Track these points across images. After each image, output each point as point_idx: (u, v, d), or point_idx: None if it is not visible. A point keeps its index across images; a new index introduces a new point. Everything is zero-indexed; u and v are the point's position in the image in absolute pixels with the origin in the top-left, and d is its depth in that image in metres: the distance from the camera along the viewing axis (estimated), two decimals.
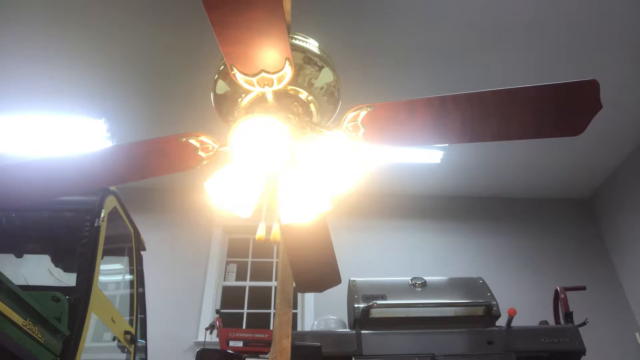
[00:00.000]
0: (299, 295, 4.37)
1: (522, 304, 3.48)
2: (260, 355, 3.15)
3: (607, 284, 4.69)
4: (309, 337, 3.06)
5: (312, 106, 1.46)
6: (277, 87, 1.19)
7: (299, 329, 4.18)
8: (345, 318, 3.57)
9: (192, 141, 1.34)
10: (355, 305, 3.19)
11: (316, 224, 1.53)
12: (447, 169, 4.74)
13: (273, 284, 4.51)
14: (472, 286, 3.40)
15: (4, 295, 1.61)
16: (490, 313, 3.19)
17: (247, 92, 1.36)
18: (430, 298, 3.28)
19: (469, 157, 4.65)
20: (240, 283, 4.57)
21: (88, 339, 2.10)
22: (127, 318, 2.81)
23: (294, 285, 1.80)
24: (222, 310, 3.86)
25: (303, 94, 1.43)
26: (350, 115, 1.28)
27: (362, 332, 3.11)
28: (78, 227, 2.31)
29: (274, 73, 1.14)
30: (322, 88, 1.44)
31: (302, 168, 1.35)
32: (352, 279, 3.42)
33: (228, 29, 1.00)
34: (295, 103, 1.43)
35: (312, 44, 1.41)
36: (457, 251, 4.82)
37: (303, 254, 1.69)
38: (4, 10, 3.19)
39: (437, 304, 3.26)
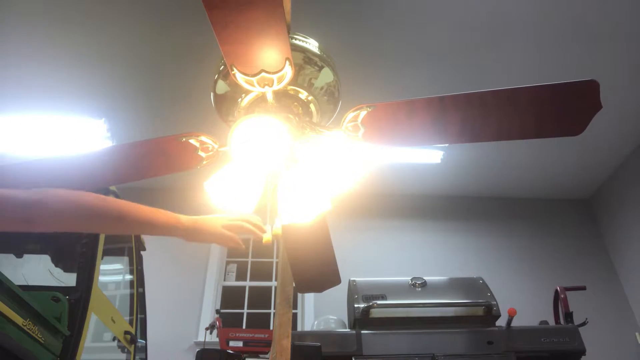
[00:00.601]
0: (299, 295, 4.37)
1: (522, 304, 3.48)
2: (260, 355, 3.15)
3: (607, 284, 4.69)
4: (309, 337, 3.06)
5: (312, 106, 1.46)
6: (277, 87, 1.19)
7: (299, 329, 4.18)
8: (345, 318, 3.57)
9: (192, 141, 1.34)
10: (355, 305, 3.19)
11: (316, 224, 1.53)
12: (447, 169, 4.73)
13: (273, 284, 4.51)
14: (472, 286, 3.40)
15: (4, 295, 1.61)
16: (490, 313, 3.19)
17: (247, 92, 1.36)
18: (430, 298, 3.28)
19: (469, 157, 4.65)
20: (240, 283, 4.57)
21: (88, 339, 2.10)
22: (127, 318, 2.81)
23: (294, 285, 1.80)
24: (222, 310, 3.86)
25: (303, 94, 1.43)
26: (350, 115, 1.28)
27: (362, 332, 3.10)
28: None
29: (274, 73, 1.14)
30: (322, 88, 1.44)
31: (302, 168, 1.35)
32: (352, 279, 3.42)
33: (228, 29, 1.00)
34: (295, 103, 1.43)
35: (312, 44, 1.41)
36: (457, 251, 4.82)
37: (303, 254, 1.69)
38: (4, 11, 3.19)
39: (437, 304, 3.26)
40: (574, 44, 3.54)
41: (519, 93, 1.18)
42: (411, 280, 3.41)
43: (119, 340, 2.56)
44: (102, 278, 2.37)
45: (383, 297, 3.23)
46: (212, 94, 1.45)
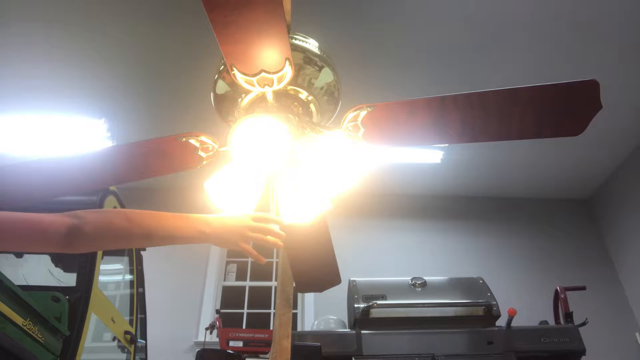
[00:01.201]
0: (299, 295, 4.37)
1: (522, 304, 3.48)
2: (260, 355, 3.15)
3: (607, 284, 4.69)
4: (309, 337, 3.06)
5: (312, 106, 1.46)
6: (277, 87, 1.19)
7: (299, 329, 4.18)
8: (345, 318, 3.57)
9: (192, 141, 1.34)
10: (355, 305, 3.19)
11: (316, 224, 1.53)
12: (447, 169, 4.73)
13: (273, 284, 4.51)
14: (472, 286, 3.40)
15: (4, 295, 1.61)
16: (490, 313, 3.19)
17: (247, 92, 1.36)
18: (430, 298, 3.28)
19: (469, 157, 4.65)
20: (240, 283, 4.57)
21: (88, 339, 2.10)
22: (127, 318, 2.81)
23: (294, 285, 1.80)
24: (222, 310, 3.86)
25: (303, 94, 1.43)
26: (350, 115, 1.28)
27: (362, 332, 3.10)
28: None
29: (274, 73, 1.14)
30: (322, 88, 1.44)
31: (302, 168, 1.35)
32: (352, 279, 3.42)
33: (228, 28, 1.00)
34: (295, 103, 1.43)
35: (312, 44, 1.41)
36: (457, 251, 4.82)
37: (303, 254, 1.69)
38: (4, 11, 3.19)
39: (437, 304, 3.26)
40: (573, 44, 3.54)
41: (519, 93, 1.18)
42: (411, 280, 3.41)
43: (119, 340, 2.56)
44: (102, 278, 2.36)
45: (383, 297, 3.23)
46: (212, 94, 1.45)
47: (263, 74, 1.14)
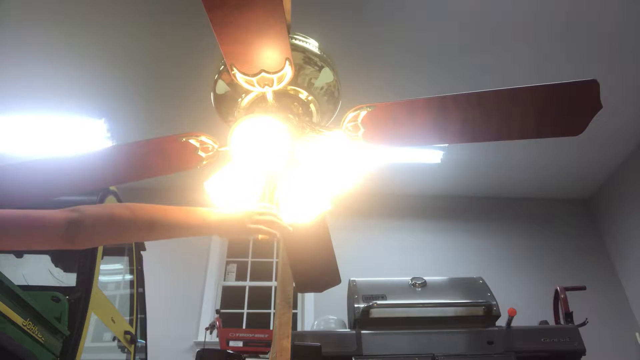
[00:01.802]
0: (299, 295, 4.37)
1: (522, 304, 3.48)
2: (260, 355, 3.15)
3: (607, 284, 4.69)
4: (309, 337, 3.06)
5: (312, 106, 1.46)
6: (277, 87, 1.19)
7: (299, 329, 4.18)
8: (345, 318, 3.57)
9: (192, 141, 1.34)
10: (355, 305, 3.19)
11: (316, 224, 1.53)
12: (447, 169, 4.73)
13: (273, 284, 4.51)
14: (472, 286, 3.40)
15: (4, 295, 1.61)
16: (490, 313, 3.19)
17: (247, 92, 1.36)
18: (430, 298, 3.28)
19: (469, 157, 4.65)
20: (240, 283, 4.57)
21: (88, 339, 2.10)
22: (127, 318, 2.81)
23: (294, 285, 1.80)
24: (222, 310, 3.86)
25: (303, 94, 1.43)
26: (350, 115, 1.28)
27: (362, 332, 3.10)
28: None
29: (274, 73, 1.14)
30: (322, 88, 1.44)
31: (302, 168, 1.35)
32: (352, 279, 3.42)
33: (228, 28, 1.00)
34: (295, 103, 1.43)
35: (312, 44, 1.41)
36: (457, 251, 4.82)
37: (303, 254, 1.69)
38: (4, 11, 3.19)
39: (437, 304, 3.26)
40: (574, 44, 3.54)
41: (519, 93, 1.18)
42: (411, 280, 3.41)
43: (119, 340, 2.56)
44: (102, 278, 2.37)
45: (383, 297, 3.23)
46: (212, 94, 1.45)
47: (263, 74, 1.14)
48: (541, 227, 5.08)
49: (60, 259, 2.65)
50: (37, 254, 2.77)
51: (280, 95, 1.37)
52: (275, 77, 1.15)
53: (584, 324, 3.25)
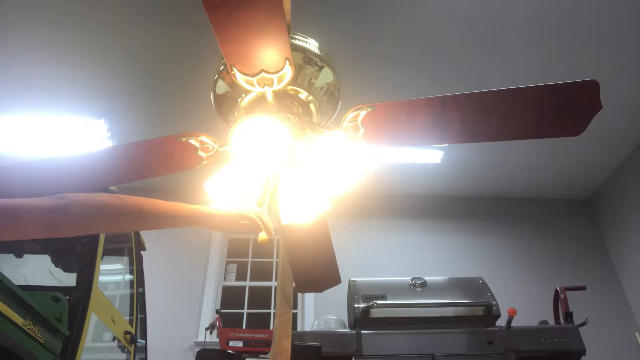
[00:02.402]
0: (299, 295, 4.37)
1: (522, 304, 3.48)
2: (260, 355, 3.15)
3: (607, 284, 4.69)
4: (309, 337, 3.06)
5: (312, 106, 1.46)
6: (277, 87, 1.19)
7: (299, 329, 4.18)
8: (345, 318, 3.57)
9: (192, 141, 1.34)
10: (355, 305, 3.19)
11: (316, 224, 1.53)
12: (447, 169, 4.73)
13: (273, 284, 4.51)
14: (472, 286, 3.40)
15: (4, 295, 1.61)
16: (490, 313, 3.19)
17: (247, 92, 1.35)
18: (430, 298, 3.28)
19: (469, 157, 4.65)
20: (240, 283, 4.57)
21: (88, 339, 2.10)
22: (127, 318, 2.81)
23: (294, 285, 1.80)
24: (222, 310, 3.86)
25: (303, 94, 1.43)
26: (350, 115, 1.28)
27: (362, 332, 3.10)
28: None
29: (274, 73, 1.14)
30: (322, 88, 1.44)
31: (302, 168, 1.35)
32: (352, 279, 3.42)
33: (228, 29, 1.00)
34: (295, 103, 1.43)
35: (312, 44, 1.41)
36: (457, 251, 4.82)
37: (303, 254, 1.69)
38: (4, 11, 3.19)
39: (437, 304, 3.26)
40: (573, 44, 3.54)
41: (519, 93, 1.18)
42: (411, 280, 3.41)
43: (119, 340, 2.55)
44: (102, 278, 2.36)
45: (383, 297, 3.23)
46: (212, 94, 1.45)
47: (263, 74, 1.14)
48: (541, 227, 5.08)
49: (61, 259, 2.65)
50: (37, 254, 2.77)
51: (280, 95, 1.37)
52: (275, 77, 1.15)
53: (584, 324, 3.25)
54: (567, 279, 4.22)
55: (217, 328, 3.33)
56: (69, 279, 2.38)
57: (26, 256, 2.70)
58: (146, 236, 3.18)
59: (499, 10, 3.29)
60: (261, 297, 4.51)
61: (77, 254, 2.30)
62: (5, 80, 3.65)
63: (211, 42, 1.08)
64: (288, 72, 1.14)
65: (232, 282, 4.56)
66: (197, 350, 2.77)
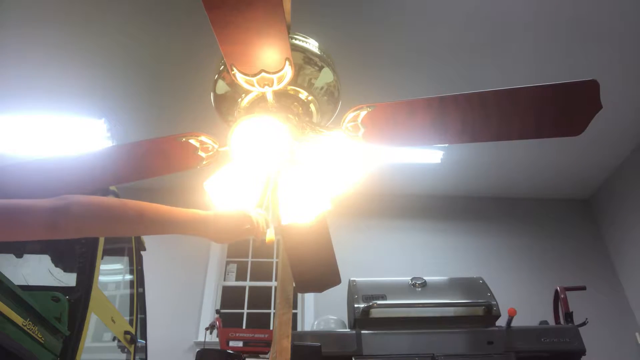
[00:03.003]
0: (299, 295, 4.37)
1: (522, 304, 3.48)
2: (260, 355, 3.15)
3: (607, 284, 4.69)
4: (309, 337, 3.06)
5: (312, 106, 1.46)
6: (277, 87, 1.19)
7: (299, 329, 4.18)
8: (345, 318, 3.57)
9: (192, 141, 1.34)
10: (355, 305, 3.19)
11: (316, 224, 1.53)
12: (447, 169, 4.73)
13: (273, 284, 4.51)
14: (472, 286, 3.40)
15: (4, 295, 1.61)
16: (490, 313, 3.19)
17: (247, 92, 1.36)
18: (430, 298, 3.28)
19: (469, 157, 4.65)
20: (240, 283, 4.57)
21: (88, 339, 2.10)
22: (127, 318, 2.81)
23: (294, 285, 1.80)
24: (222, 310, 3.86)
25: (303, 94, 1.43)
26: (350, 115, 1.28)
27: (362, 332, 3.10)
28: None
29: (274, 73, 1.14)
30: (322, 88, 1.44)
31: (302, 168, 1.35)
32: (352, 279, 3.42)
33: (228, 29, 1.00)
34: (295, 103, 1.43)
35: (312, 44, 1.41)
36: (457, 251, 4.82)
37: (303, 254, 1.69)
38: (4, 11, 3.19)
39: (437, 304, 3.26)
40: (573, 44, 3.54)
41: (519, 93, 1.18)
42: (411, 280, 3.41)
43: (119, 340, 2.55)
44: (102, 278, 2.36)
45: (383, 297, 3.23)
46: (212, 94, 1.45)
47: (263, 74, 1.14)
48: (541, 227, 5.08)
49: (61, 259, 2.65)
50: (37, 253, 2.77)
51: (280, 95, 1.37)
52: (275, 77, 1.15)
53: (584, 324, 3.25)
54: (567, 279, 4.22)
55: (217, 328, 3.33)
56: (69, 279, 2.37)
57: (26, 256, 2.70)
58: (146, 236, 3.18)
59: (499, 11, 3.29)
60: (261, 297, 4.51)
61: (77, 254, 2.30)
62: (6, 80, 3.65)
63: (211, 42, 1.08)
64: (288, 72, 1.14)
65: (232, 282, 4.56)
66: (197, 350, 2.76)
